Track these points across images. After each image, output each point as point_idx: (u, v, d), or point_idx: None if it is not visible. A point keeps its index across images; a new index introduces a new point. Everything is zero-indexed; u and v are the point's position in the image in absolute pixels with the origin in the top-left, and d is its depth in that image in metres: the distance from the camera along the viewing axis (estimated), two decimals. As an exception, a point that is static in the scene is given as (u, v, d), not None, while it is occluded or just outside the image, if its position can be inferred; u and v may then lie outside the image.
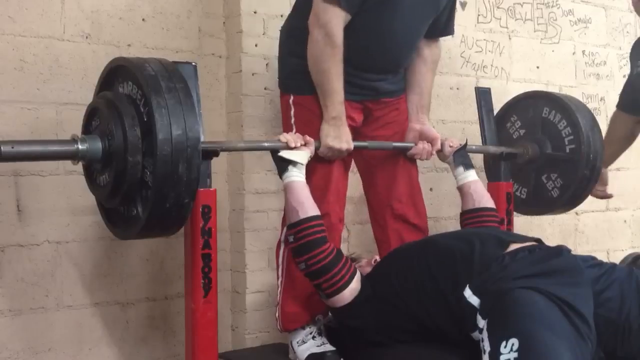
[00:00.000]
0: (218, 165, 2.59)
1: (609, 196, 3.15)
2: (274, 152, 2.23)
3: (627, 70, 3.91)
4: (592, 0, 3.87)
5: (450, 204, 3.22)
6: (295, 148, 2.20)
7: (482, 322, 1.87)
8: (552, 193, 2.88)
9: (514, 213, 2.84)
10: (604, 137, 2.94)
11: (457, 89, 3.38)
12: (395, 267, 2.17)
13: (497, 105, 2.99)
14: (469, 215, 2.48)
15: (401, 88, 2.54)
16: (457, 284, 1.96)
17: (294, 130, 2.33)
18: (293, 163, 2.20)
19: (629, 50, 3.21)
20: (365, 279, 2.18)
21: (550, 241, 3.04)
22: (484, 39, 3.48)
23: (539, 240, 2.13)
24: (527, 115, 2.95)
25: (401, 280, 2.10)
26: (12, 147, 1.85)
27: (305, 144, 2.24)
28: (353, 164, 2.57)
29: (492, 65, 3.51)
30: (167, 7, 2.68)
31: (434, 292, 2.02)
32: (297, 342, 2.34)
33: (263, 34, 2.77)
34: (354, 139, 2.36)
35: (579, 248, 3.78)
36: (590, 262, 2.03)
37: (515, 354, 1.74)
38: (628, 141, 3.12)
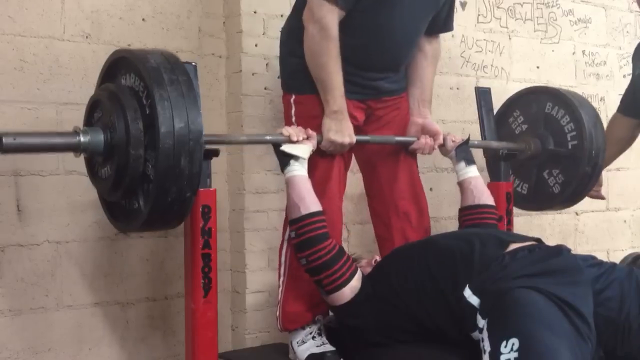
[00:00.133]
0: (218, 165, 2.59)
1: (601, 197, 3.15)
2: (276, 146, 2.22)
3: (627, 70, 3.93)
4: (592, 0, 3.87)
5: (450, 204, 3.22)
6: (297, 142, 2.20)
7: (482, 322, 1.87)
8: (553, 189, 2.87)
9: (514, 213, 2.84)
10: None
11: (457, 89, 3.38)
12: (395, 267, 2.17)
13: (497, 105, 2.99)
14: (467, 212, 2.48)
15: (402, 87, 2.54)
16: (457, 284, 1.96)
17: None
18: (295, 157, 2.19)
19: (629, 50, 3.21)
20: (365, 279, 2.18)
21: (550, 241, 3.04)
22: (484, 39, 3.48)
23: (538, 240, 2.13)
24: (530, 110, 2.94)
25: (401, 280, 2.10)
26: (14, 139, 1.82)
27: (308, 138, 2.23)
28: (354, 163, 2.57)
29: (492, 65, 3.51)
30: (167, 7, 2.68)
31: (434, 292, 2.02)
32: (297, 342, 2.34)
33: (263, 34, 2.77)
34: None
35: (579, 248, 3.78)
36: (590, 261, 2.03)
37: (516, 354, 1.74)
38: (627, 143, 3.12)
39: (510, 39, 3.58)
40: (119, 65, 2.02)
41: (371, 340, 2.14)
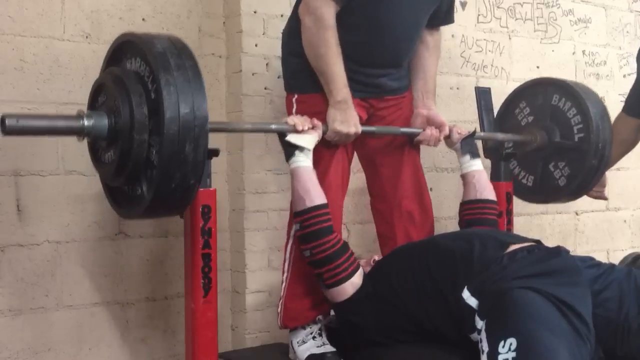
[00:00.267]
0: (218, 165, 2.59)
1: (604, 197, 3.12)
2: (281, 135, 2.21)
3: (627, 70, 3.93)
4: (592, 0, 3.87)
5: (450, 204, 3.22)
6: (302, 131, 2.19)
7: (480, 323, 1.88)
8: (559, 182, 2.84)
9: (514, 213, 2.84)
10: None
11: (457, 88, 3.38)
12: (396, 267, 2.17)
13: (497, 105, 2.99)
14: (468, 206, 2.48)
15: (405, 85, 2.52)
16: (456, 285, 1.96)
17: None
18: (300, 148, 2.19)
19: (629, 50, 3.20)
20: (366, 277, 2.18)
21: (550, 241, 3.05)
22: (484, 39, 3.48)
23: (538, 242, 2.13)
24: (537, 102, 2.91)
25: (401, 280, 2.10)
26: (17, 121, 1.80)
27: (313, 127, 2.22)
28: (355, 163, 2.56)
29: (492, 65, 3.51)
30: (167, 7, 2.68)
31: (434, 292, 2.02)
32: (298, 342, 2.34)
33: (263, 34, 2.77)
34: (359, 137, 2.35)
35: (579, 248, 3.78)
36: (589, 262, 2.03)
37: (513, 354, 1.74)
38: (631, 144, 3.08)
39: (510, 38, 3.58)
40: (125, 49, 1.99)
41: (371, 339, 2.14)
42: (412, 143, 2.51)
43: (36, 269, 2.43)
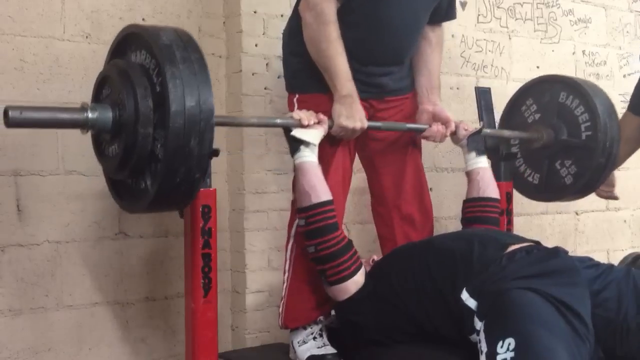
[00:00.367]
0: (218, 165, 2.59)
1: (615, 197, 3.09)
2: (287, 130, 2.20)
3: (627, 70, 3.93)
4: (592, 0, 3.87)
5: (450, 204, 3.22)
6: (307, 126, 2.17)
7: (479, 324, 1.87)
8: (565, 180, 2.81)
9: (514, 213, 2.84)
10: None
11: (457, 88, 3.38)
12: (396, 267, 2.17)
13: (497, 105, 2.99)
14: (470, 204, 2.47)
15: (406, 86, 2.51)
16: (455, 286, 1.96)
17: None
18: (305, 143, 2.17)
19: (629, 50, 3.20)
20: (367, 277, 2.18)
21: (551, 241, 3.05)
22: (484, 39, 3.48)
23: (537, 242, 2.13)
24: (543, 99, 2.88)
25: (401, 280, 2.10)
26: (21, 113, 1.77)
27: (319, 122, 2.20)
28: (356, 163, 2.56)
29: (492, 65, 3.51)
30: (167, 7, 2.68)
31: (434, 292, 2.02)
32: (298, 342, 2.33)
33: (263, 34, 2.77)
34: (361, 138, 2.35)
35: (579, 248, 3.78)
36: (587, 262, 2.03)
37: (512, 354, 1.74)
38: (637, 143, 3.04)
39: (510, 38, 3.58)
40: (129, 41, 1.97)
41: (371, 338, 2.14)
42: (416, 140, 2.50)
43: (36, 269, 2.43)
